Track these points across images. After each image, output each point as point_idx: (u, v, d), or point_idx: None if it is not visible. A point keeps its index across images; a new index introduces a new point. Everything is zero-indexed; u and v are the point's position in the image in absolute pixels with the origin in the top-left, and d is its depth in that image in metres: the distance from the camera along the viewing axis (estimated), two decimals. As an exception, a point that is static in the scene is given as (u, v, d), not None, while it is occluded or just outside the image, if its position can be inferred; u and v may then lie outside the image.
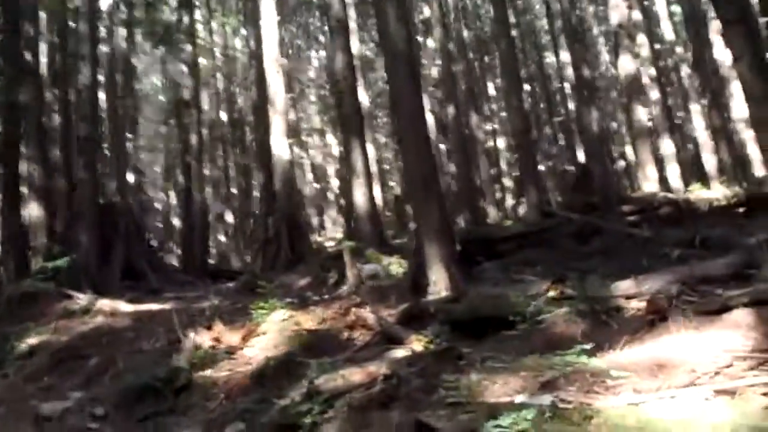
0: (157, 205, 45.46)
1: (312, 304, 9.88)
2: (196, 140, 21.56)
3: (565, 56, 29.17)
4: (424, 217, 10.17)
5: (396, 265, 13.07)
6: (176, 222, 42.54)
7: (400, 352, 7.02)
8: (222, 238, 39.25)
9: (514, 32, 23.81)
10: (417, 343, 7.23)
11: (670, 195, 19.51)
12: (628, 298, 7.30)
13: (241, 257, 39.00)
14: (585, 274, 10.56)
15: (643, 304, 6.97)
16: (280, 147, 18.44)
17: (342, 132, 16.66)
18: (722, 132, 28.32)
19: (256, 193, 44.25)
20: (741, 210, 18.27)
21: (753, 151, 29.38)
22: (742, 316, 5.46)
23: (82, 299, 11.51)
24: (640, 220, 16.55)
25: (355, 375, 5.72)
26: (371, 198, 15.17)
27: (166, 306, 12.42)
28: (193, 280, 16.87)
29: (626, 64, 22.60)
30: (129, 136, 27.61)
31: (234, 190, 39.54)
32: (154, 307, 12.26)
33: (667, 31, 34.91)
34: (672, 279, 7.09)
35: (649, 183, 21.60)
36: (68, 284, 12.44)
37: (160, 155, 45.38)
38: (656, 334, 5.92)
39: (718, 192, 21.59)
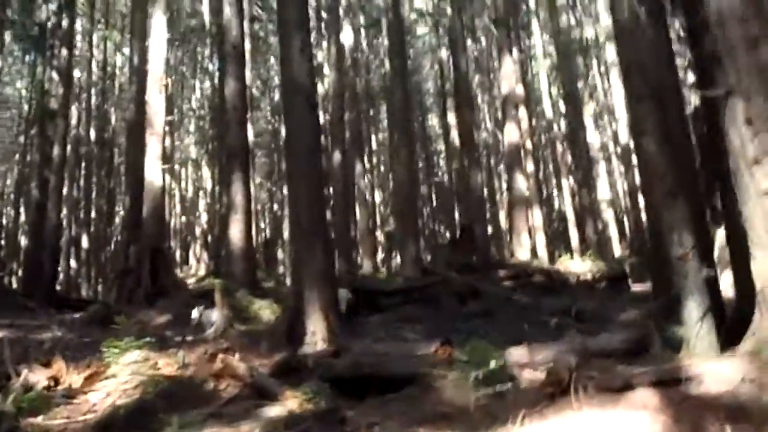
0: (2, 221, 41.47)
1: (173, 346, 8.81)
2: (58, 154, 19.66)
3: (451, 118, 29.81)
4: (307, 262, 9.48)
5: (268, 311, 12.19)
6: (24, 242, 38.96)
7: (274, 410, 6.20)
8: (73, 263, 36.22)
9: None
10: (292, 400, 6.44)
11: (542, 264, 19.97)
12: (521, 366, 6.94)
13: (93, 287, 36.12)
14: (469, 336, 10.32)
15: (537, 375, 6.63)
16: (153, 172, 17.11)
17: (226, 163, 15.71)
18: (589, 209, 29.78)
19: (117, 219, 41.62)
20: (602, 284, 19.08)
21: (612, 231, 31.26)
22: (647, 396, 5.17)
23: None
24: (515, 285, 16.76)
25: (223, 436, 4.90)
26: (248, 236, 14.24)
27: (-2, 334, 10.80)
28: (35, 306, 14.99)
29: (512, 132, 23.28)
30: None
31: (93, 214, 36.76)
32: (-19, 334, 10.61)
33: (546, 107, 36.88)
34: (566, 350, 6.81)
35: (522, 250, 22.04)
36: None
37: (14, 166, 41.69)
38: (557, 410, 5.52)
39: (585, 266, 22.38)
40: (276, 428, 4.97)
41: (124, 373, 7.45)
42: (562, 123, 38.86)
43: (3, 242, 37.87)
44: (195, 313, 9.78)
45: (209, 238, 42.59)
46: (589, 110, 31.95)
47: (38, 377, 7.30)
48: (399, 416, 5.85)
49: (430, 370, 6.73)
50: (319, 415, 5.36)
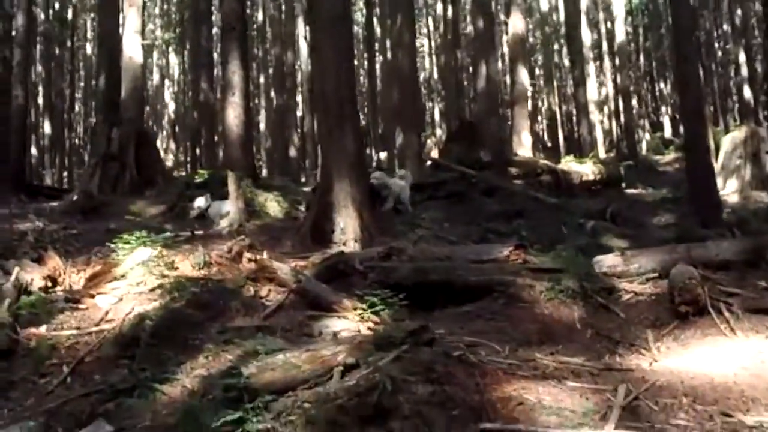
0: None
1: (182, 242, 7.56)
2: (20, 27, 17.44)
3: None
4: (335, 148, 8.18)
5: (274, 204, 10.94)
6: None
7: (337, 324, 5.10)
8: (33, 151, 34.04)
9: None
10: (352, 312, 5.34)
11: (549, 163, 18.97)
12: (616, 276, 5.91)
13: (58, 175, 34.22)
14: (510, 236, 9.30)
15: (641, 288, 5.61)
16: (132, 47, 15.24)
17: (220, 37, 13.84)
18: (583, 111, 28.66)
19: (78, 105, 39.10)
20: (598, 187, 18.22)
21: (598, 133, 30.30)
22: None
23: None
24: (525, 184, 15.77)
25: (301, 362, 3.77)
26: (247, 121, 12.70)
27: (-32, 224, 9.39)
28: (3, 194, 13.44)
29: (517, 23, 21.61)
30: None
31: (53, 98, 34.20)
32: (-52, 223, 9.19)
33: (543, 1, 34.96)
34: (668, 260, 5.77)
35: (523, 149, 20.92)
36: None
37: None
38: (699, 334, 4.51)
39: (586, 168, 21.47)
40: (364, 351, 3.86)
41: (135, 274, 6.23)
42: (556, 17, 37.19)
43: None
44: (200, 203, 8.45)
45: (177, 127, 40.59)
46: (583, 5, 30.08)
47: (31, 275, 6.04)
48: (495, 335, 4.80)
49: (511, 278, 5.65)
50: (411, 335, 4.24)
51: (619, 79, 32.65)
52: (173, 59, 43.43)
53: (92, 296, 5.84)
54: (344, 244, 7.97)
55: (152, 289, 5.92)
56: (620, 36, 29.36)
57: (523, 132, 21.42)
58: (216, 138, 22.97)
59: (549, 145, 37.11)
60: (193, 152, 27.70)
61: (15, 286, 5.73)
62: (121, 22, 17.09)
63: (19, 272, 5.92)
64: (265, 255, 6.69)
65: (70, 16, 36.09)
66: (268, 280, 5.86)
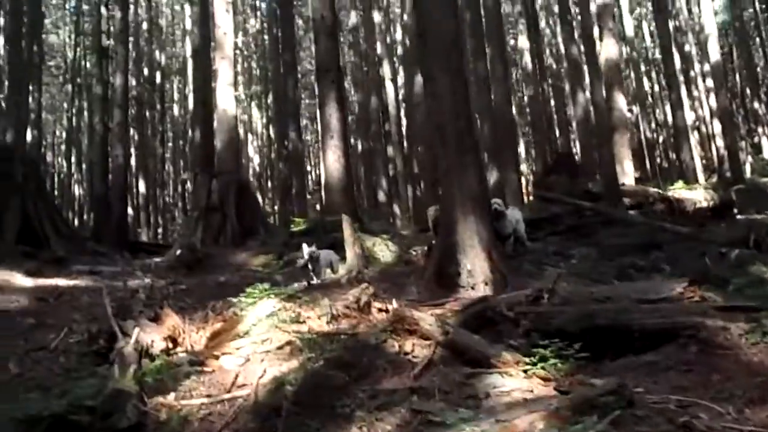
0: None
1: (303, 293, 6.99)
2: (120, 86, 17.83)
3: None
4: (457, 184, 7.50)
5: (383, 249, 10.32)
6: (78, 192, 37.99)
7: (505, 383, 4.33)
8: (129, 210, 35.05)
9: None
10: (514, 368, 4.57)
11: (660, 191, 17.78)
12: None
13: (152, 232, 35.04)
14: (651, 271, 8.34)
15: None
16: (225, 99, 15.26)
17: (316, 81, 13.59)
18: (683, 135, 27.09)
19: (170, 159, 40.26)
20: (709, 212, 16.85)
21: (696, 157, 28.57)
22: None
23: (-42, 266, 8.17)
24: (639, 214, 14.67)
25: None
26: (347, 164, 12.28)
27: (80, 282, 9.20)
28: (107, 252, 13.46)
29: (610, 48, 20.63)
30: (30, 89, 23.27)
31: (146, 156, 35.28)
32: (62, 282, 9.02)
33: (628, 26, 33.80)
34: None
35: (627, 178, 19.74)
36: (-60, 244, 9.03)
37: (63, 115, 40.36)
38: None
39: (697, 194, 20.09)
40: (567, 420, 3.11)
41: (259, 330, 5.69)
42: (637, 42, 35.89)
43: (56, 192, 36.80)
44: (306, 252, 7.90)
45: (261, 180, 41.19)
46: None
47: (150, 336, 5.57)
48: (703, 391, 3.92)
49: (699, 319, 4.76)
50: (611, 394, 3.44)
51: (713, 101, 30.99)
52: (255, 113, 44.35)
53: (216, 357, 5.31)
54: (473, 287, 7.22)
55: (280, 347, 5.35)
56: (714, 55, 27.81)
57: (625, 160, 20.24)
58: (309, 185, 22.81)
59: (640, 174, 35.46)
60: (282, 203, 27.70)
61: (136, 349, 5.27)
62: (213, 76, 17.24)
63: (138, 333, 5.48)
64: (394, 304, 6.04)
65: (158, 79, 37.51)
66: (409, 333, 5.16)
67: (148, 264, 12.06)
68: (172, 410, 4.29)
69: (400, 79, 29.39)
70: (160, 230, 35.58)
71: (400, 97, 29.08)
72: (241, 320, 5.84)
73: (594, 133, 17.83)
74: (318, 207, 25.90)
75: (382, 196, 26.92)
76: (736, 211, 18.50)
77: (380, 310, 6.03)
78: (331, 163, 12.07)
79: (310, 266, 8.03)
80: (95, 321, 6.73)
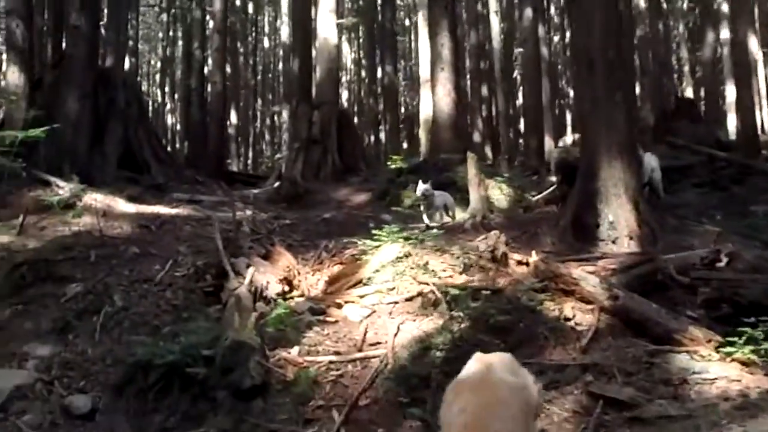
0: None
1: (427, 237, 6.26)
2: (220, 10, 17.21)
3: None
4: (604, 122, 6.55)
5: (498, 193, 9.45)
6: (170, 121, 38.41)
7: (704, 368, 3.52)
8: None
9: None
10: (705, 347, 3.74)
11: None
12: None
13: (243, 164, 35.15)
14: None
15: None
16: (327, 27, 14.49)
17: (428, 7, 12.58)
18: None
19: (260, 92, 40.13)
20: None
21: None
22: None
23: (63, 188, 7.84)
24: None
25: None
26: (457, 99, 11.34)
27: (181, 211, 8.80)
28: (205, 180, 13.15)
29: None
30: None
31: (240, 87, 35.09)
32: (163, 210, 8.63)
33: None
34: None
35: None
36: (46, 166, 8.75)
37: (158, 45, 40.58)
38: None
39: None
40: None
41: (383, 277, 5.04)
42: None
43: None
44: (420, 190, 7.13)
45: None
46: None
47: (265, 277, 5.02)
48: None
49: None
50: None
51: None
52: (345, 47, 43.37)
53: (339, 306, 4.71)
54: (614, 242, 6.34)
55: (409, 299, 4.70)
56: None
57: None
58: (402, 122, 21.98)
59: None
60: (374, 139, 26.99)
61: (250, 290, 4.73)
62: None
63: (252, 273, 4.93)
64: (534, 256, 5.26)
65: (250, 10, 36.99)
66: (564, 294, 4.40)
67: (246, 195, 11.66)
68: (298, 368, 3.71)
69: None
70: (249, 162, 35.65)
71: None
72: (363, 265, 5.20)
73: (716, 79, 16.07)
74: (405, 145, 25.02)
75: (477, 137, 25.80)
76: None
77: (519, 262, 5.27)
78: (441, 96, 11.16)
79: (422, 207, 7.29)
80: (201, 254, 6.27)
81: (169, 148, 35.05)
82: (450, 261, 5.23)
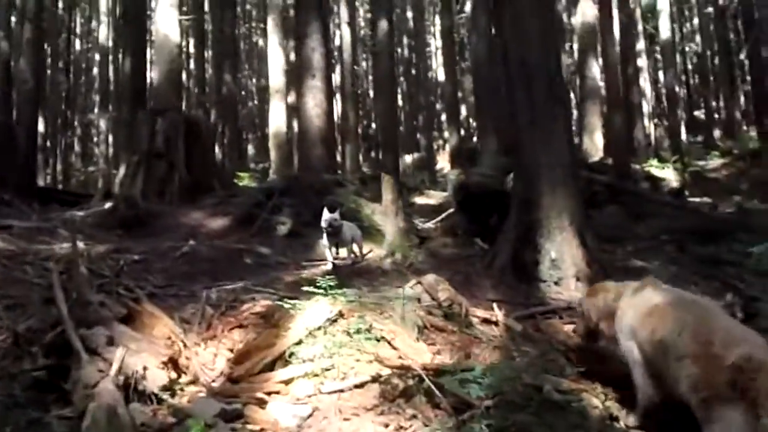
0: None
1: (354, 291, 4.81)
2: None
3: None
4: (543, 142, 5.55)
5: (380, 218, 8.17)
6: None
7: None
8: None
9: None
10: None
11: (641, 168, 16.71)
12: None
13: (52, 176, 31.05)
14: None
15: None
16: (167, 23, 12.52)
17: (296, 7, 11.01)
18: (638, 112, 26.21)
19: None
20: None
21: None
22: None
23: None
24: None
25: None
26: (329, 111, 9.91)
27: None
28: (13, 200, 10.62)
29: (587, 10, 19.17)
30: None
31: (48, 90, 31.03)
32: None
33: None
34: None
35: (596, 151, 18.44)
36: None
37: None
38: None
39: (668, 174, 19.15)
40: None
41: (312, 350, 3.55)
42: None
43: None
44: (326, 219, 5.59)
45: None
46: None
47: (140, 359, 3.30)
48: None
49: None
50: None
51: (662, 79, 30.38)
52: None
53: (261, 402, 3.15)
54: (557, 283, 5.34)
55: (360, 385, 3.27)
56: (665, 33, 26.96)
57: (595, 132, 18.96)
58: (246, 136, 20.15)
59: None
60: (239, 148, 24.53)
61: (118, 385, 3.03)
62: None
63: (121, 355, 3.21)
64: (499, 312, 4.04)
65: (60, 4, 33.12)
66: (583, 376, 3.19)
67: (70, 219, 9.43)
68: None
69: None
70: (59, 176, 31.58)
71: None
72: (281, 332, 3.67)
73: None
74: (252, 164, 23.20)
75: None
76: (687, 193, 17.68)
77: (485, 320, 4.03)
78: (310, 108, 9.72)
79: (325, 240, 5.84)
80: (20, 312, 4.38)
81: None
82: (398, 321, 3.86)
